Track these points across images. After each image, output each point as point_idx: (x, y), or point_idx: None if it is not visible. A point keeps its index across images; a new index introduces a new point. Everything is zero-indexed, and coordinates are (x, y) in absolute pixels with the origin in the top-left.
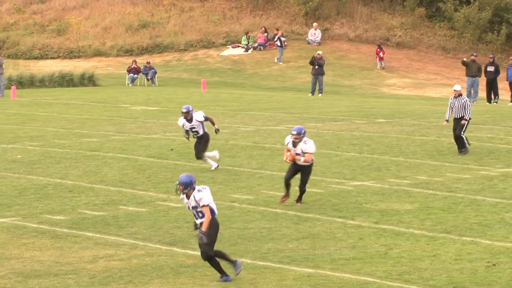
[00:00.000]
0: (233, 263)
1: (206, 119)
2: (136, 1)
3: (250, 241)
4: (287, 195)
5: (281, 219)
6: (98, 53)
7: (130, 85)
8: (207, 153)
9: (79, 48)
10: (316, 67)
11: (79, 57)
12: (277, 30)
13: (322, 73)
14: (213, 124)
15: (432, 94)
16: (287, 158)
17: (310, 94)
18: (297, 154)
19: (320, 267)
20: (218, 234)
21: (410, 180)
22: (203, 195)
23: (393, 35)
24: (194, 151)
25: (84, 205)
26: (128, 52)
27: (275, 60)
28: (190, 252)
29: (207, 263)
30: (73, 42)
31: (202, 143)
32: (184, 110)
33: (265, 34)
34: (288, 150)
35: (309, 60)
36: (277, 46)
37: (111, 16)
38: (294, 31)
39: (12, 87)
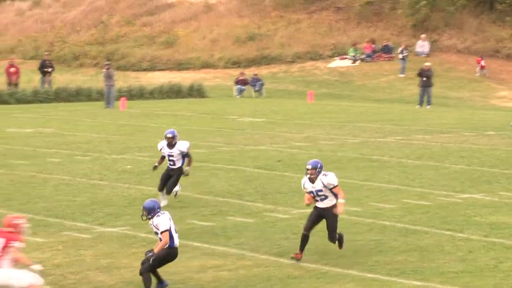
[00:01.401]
0: (161, 282)
1: (187, 154)
2: (243, 13)
3: (357, 252)
4: (301, 251)
5: (389, 232)
6: (206, 65)
7: (237, 96)
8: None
9: (188, 60)
10: (424, 78)
11: (187, 68)
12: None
13: (430, 85)
14: (189, 163)
15: None
16: (307, 200)
17: (418, 106)
18: (318, 191)
19: (429, 280)
20: (171, 263)
21: None
22: (160, 220)
23: (502, 46)
24: (160, 183)
25: (192, 215)
26: (236, 64)
27: (399, 74)
28: (297, 263)
29: (315, 275)
30: (181, 54)
31: (174, 177)
32: (169, 135)
33: (373, 45)
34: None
35: (417, 72)
36: (400, 59)
37: (219, 28)
38: (402, 43)
39: (122, 98)
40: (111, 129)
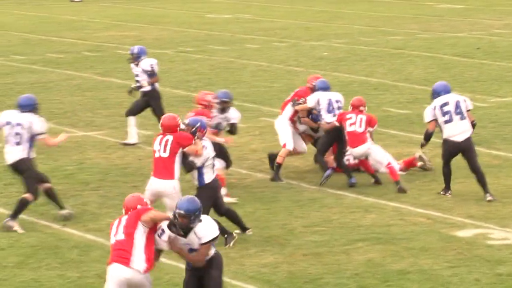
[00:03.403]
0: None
1: (154, 72)
2: None
3: None
4: None
5: None
6: None
7: None
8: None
9: None
10: None
11: None
12: None
13: None
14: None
15: None
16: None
17: None
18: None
19: None
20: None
21: None
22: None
23: None
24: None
25: (388, 103)
26: None
27: None
28: (494, 152)
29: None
30: None
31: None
32: (130, 52)
33: None
34: None
35: None
36: None
37: None
38: None
39: None
40: (308, 15)
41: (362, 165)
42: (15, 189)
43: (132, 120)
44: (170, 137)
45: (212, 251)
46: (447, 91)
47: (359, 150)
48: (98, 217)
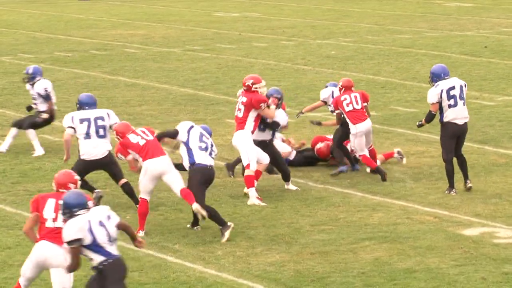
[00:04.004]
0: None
1: (48, 96)
2: None
3: None
4: None
5: None
6: None
7: None
8: None
9: None
10: None
11: None
12: None
13: None
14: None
15: None
16: None
17: None
18: None
19: None
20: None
21: None
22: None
23: None
24: None
25: (396, 101)
26: None
27: None
28: (501, 151)
29: None
30: None
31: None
32: (25, 71)
33: None
34: None
35: None
36: None
37: None
38: None
39: None
40: (316, 14)
41: (365, 160)
42: (22, 188)
43: (14, 131)
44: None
45: (96, 258)
46: (447, 73)
47: (363, 125)
48: None
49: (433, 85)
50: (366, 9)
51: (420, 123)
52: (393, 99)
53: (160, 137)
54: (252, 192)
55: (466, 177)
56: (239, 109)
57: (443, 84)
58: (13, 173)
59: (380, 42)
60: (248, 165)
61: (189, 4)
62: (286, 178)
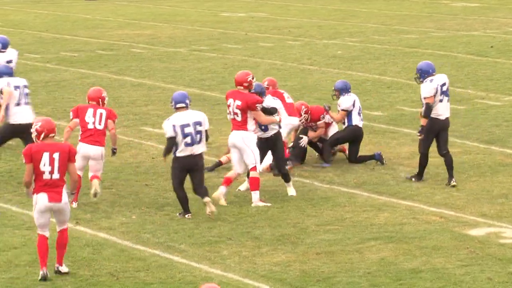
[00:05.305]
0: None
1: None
2: None
3: None
4: None
5: None
6: None
7: None
8: None
9: None
10: None
11: None
12: None
13: None
14: None
15: None
16: None
17: None
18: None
19: None
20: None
21: None
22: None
23: None
24: None
25: (402, 101)
26: None
27: None
28: (508, 151)
29: None
30: None
31: None
32: None
33: None
34: None
35: None
36: None
37: None
38: None
39: None
40: (322, 14)
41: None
42: None
43: None
44: None
45: None
46: (434, 69)
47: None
48: (110, 215)
49: (421, 81)
50: (373, 9)
51: (420, 129)
52: (399, 99)
53: (165, 155)
54: (255, 195)
55: (451, 176)
56: (236, 113)
57: (437, 79)
58: (19, 173)
59: (386, 42)
60: (254, 167)
61: (196, 4)
62: (286, 179)
